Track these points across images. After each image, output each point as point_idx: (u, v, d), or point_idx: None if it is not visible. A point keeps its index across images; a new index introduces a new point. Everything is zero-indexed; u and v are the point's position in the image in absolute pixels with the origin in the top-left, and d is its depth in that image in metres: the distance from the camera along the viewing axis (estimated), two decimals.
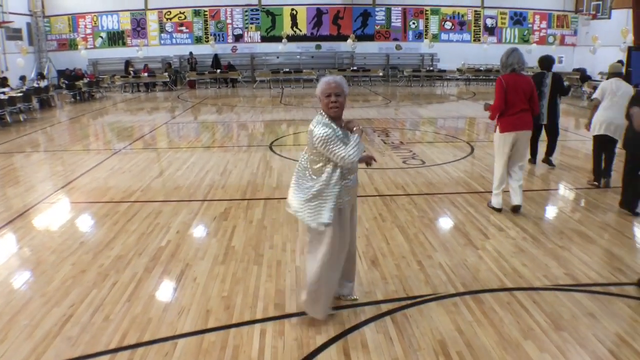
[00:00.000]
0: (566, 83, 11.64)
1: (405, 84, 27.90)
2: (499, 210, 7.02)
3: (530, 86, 6.68)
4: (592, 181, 8.32)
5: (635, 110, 5.40)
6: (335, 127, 3.93)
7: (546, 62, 9.17)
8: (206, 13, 28.87)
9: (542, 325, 4.20)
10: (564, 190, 8.22)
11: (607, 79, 8.22)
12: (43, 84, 20.65)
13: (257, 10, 29.00)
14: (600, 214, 6.98)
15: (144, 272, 5.27)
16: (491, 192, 7.19)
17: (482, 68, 28.84)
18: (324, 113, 3.99)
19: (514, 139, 6.71)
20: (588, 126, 8.30)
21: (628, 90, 7.90)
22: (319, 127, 3.89)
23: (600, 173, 8.23)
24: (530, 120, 6.76)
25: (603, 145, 8.08)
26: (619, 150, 7.66)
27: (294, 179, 4.16)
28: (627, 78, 8.50)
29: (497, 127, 6.80)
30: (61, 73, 26.19)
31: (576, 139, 12.54)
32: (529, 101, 6.66)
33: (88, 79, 23.90)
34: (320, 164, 3.98)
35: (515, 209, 6.94)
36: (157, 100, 22.50)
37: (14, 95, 16.54)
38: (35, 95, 18.67)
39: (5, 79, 19.25)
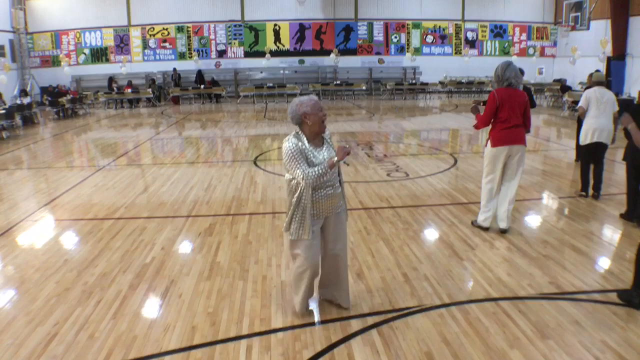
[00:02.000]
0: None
1: (388, 98, 28.10)
2: (486, 229, 6.77)
3: (524, 101, 6.44)
4: (580, 191, 8.27)
5: (625, 117, 5.26)
6: (305, 142, 4.10)
7: None
8: (189, 29, 28.90)
9: (527, 334, 4.23)
10: (547, 200, 8.29)
11: (586, 87, 8.33)
12: (26, 100, 20.49)
13: (240, 26, 29.09)
14: (583, 223, 7.05)
15: (129, 289, 5.23)
16: (474, 202, 7.13)
17: (464, 80, 29.16)
18: (300, 133, 4.14)
19: (506, 154, 6.43)
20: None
21: (611, 97, 8.05)
22: (288, 139, 4.10)
23: (588, 183, 8.22)
24: (524, 136, 6.50)
25: (593, 153, 8.11)
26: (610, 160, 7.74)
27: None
28: (607, 87, 8.65)
29: (489, 142, 6.53)
30: (44, 90, 26.01)
31: (557, 148, 12.67)
32: (522, 116, 6.44)
33: (71, 95, 23.73)
34: (293, 178, 4.18)
35: (504, 232, 6.67)
36: (141, 117, 22.41)
37: None
38: (18, 112, 18.49)
39: None
